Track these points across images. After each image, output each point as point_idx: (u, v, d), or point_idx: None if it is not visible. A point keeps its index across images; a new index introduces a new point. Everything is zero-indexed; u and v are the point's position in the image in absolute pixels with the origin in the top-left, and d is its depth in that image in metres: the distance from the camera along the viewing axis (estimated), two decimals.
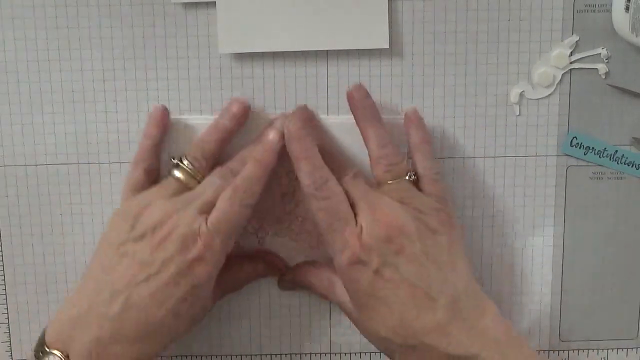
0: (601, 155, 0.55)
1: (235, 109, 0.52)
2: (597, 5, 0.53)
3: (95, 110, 0.54)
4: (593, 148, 0.54)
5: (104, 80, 0.54)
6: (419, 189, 0.50)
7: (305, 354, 0.58)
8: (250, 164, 0.50)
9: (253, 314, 0.57)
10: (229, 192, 0.49)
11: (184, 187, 0.50)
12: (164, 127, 0.53)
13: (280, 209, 0.55)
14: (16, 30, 0.53)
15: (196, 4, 0.53)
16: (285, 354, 0.58)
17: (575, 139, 0.54)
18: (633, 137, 0.55)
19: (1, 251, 0.56)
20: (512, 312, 0.57)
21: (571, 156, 0.55)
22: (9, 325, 0.57)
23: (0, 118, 0.54)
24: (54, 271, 0.56)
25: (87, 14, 0.53)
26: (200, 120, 0.53)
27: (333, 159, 0.51)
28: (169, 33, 0.53)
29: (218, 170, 0.51)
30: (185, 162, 0.51)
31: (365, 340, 0.57)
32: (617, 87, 0.54)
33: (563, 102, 0.54)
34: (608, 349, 0.58)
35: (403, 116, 0.53)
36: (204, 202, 0.49)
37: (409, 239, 0.47)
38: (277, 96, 0.54)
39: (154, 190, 0.51)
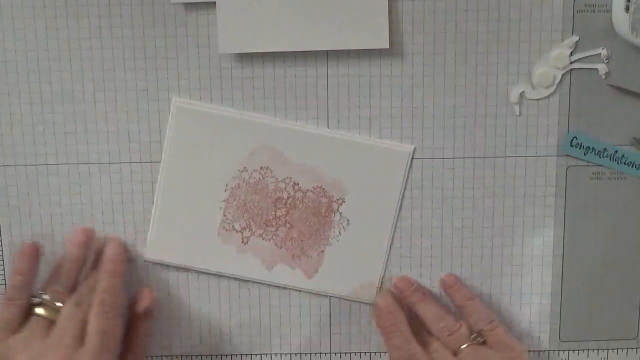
0: (601, 155, 0.55)
1: (82, 237, 0.54)
2: (597, 5, 0.52)
3: (95, 110, 0.54)
4: (593, 148, 0.54)
5: (104, 80, 0.54)
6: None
7: (305, 353, 0.58)
8: (105, 277, 0.53)
9: (253, 314, 0.57)
10: (97, 308, 0.51)
11: (49, 322, 0.52)
12: (36, 262, 0.54)
13: (270, 212, 0.55)
14: (16, 30, 0.53)
15: (196, 4, 0.53)
16: (285, 354, 0.58)
17: (575, 139, 0.54)
18: (633, 137, 0.55)
19: (1, 251, 0.56)
20: (512, 312, 0.57)
21: (571, 156, 0.55)
22: None
23: (0, 118, 0.54)
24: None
25: (87, 13, 0.53)
26: (200, 108, 0.54)
27: (426, 316, 0.54)
28: (169, 33, 0.53)
29: (71, 303, 0.52)
30: (47, 298, 0.52)
31: (365, 340, 0.58)
32: (617, 87, 0.54)
33: (563, 102, 0.54)
34: (608, 349, 0.58)
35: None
36: (75, 333, 0.50)
37: None
38: (277, 96, 0.54)
39: (27, 335, 0.51)
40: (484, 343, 0.53)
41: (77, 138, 0.55)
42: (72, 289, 0.53)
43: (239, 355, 0.58)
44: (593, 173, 0.55)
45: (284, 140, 0.54)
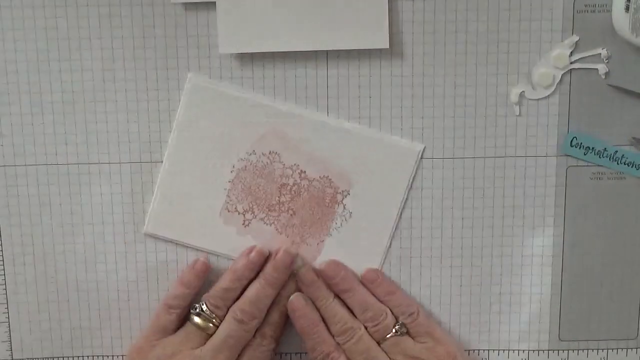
0: (601, 156, 0.55)
1: (254, 258, 0.54)
2: (597, 5, 0.52)
3: (95, 110, 0.54)
4: (593, 148, 0.54)
5: (104, 80, 0.54)
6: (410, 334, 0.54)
7: (306, 353, 0.58)
8: (276, 312, 0.54)
9: None
10: (259, 340, 0.54)
11: (202, 332, 0.53)
12: (203, 280, 0.55)
13: (275, 197, 0.55)
14: (16, 30, 0.53)
15: (196, 4, 0.53)
16: (286, 354, 0.58)
17: (575, 139, 0.54)
18: (633, 137, 0.55)
19: (1, 251, 0.56)
20: (512, 312, 0.57)
21: (571, 156, 0.55)
22: (9, 325, 0.57)
23: (0, 118, 0.54)
24: (54, 271, 0.56)
25: (87, 14, 0.53)
26: (221, 88, 0.54)
27: (332, 323, 0.54)
28: (169, 33, 0.53)
29: (234, 316, 0.53)
30: (206, 309, 0.53)
31: None
32: (617, 87, 0.54)
33: (563, 102, 0.54)
34: (608, 349, 0.58)
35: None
36: (230, 353, 0.52)
37: None
38: (277, 96, 0.54)
39: (178, 340, 0.53)
40: (407, 333, 0.54)
41: (77, 138, 0.55)
42: (231, 304, 0.54)
43: None
44: (593, 173, 0.55)
45: (295, 127, 0.54)
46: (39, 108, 0.54)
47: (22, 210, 0.56)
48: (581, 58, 0.53)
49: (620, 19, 0.51)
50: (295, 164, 0.55)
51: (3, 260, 0.56)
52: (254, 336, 0.54)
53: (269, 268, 0.54)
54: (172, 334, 0.54)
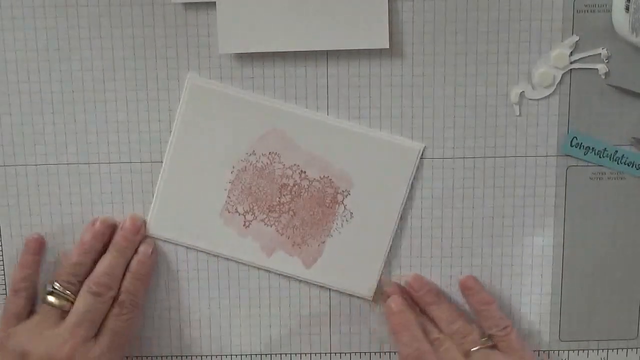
0: (601, 156, 0.55)
1: (100, 228, 0.54)
2: (597, 5, 0.53)
3: (95, 110, 0.54)
4: (593, 148, 0.54)
5: (104, 80, 0.54)
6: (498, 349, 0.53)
7: (305, 353, 0.58)
8: (130, 279, 0.53)
9: (253, 314, 0.57)
10: (116, 310, 0.53)
11: (59, 311, 0.52)
12: (40, 255, 0.55)
13: (275, 198, 0.55)
14: (16, 30, 0.53)
15: (196, 4, 0.53)
16: (285, 354, 0.58)
17: (575, 139, 0.54)
18: (633, 137, 0.55)
19: (1, 251, 0.56)
20: (512, 312, 0.57)
21: (571, 156, 0.55)
22: None
23: (0, 118, 0.54)
24: (54, 271, 0.56)
25: (87, 14, 0.53)
26: (215, 87, 0.54)
27: (426, 331, 0.54)
28: (169, 33, 0.53)
29: (89, 289, 0.52)
30: (58, 286, 0.53)
31: (365, 340, 0.57)
32: (617, 87, 0.54)
33: (563, 102, 0.54)
34: (608, 349, 0.58)
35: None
36: (89, 326, 0.52)
37: None
38: (277, 96, 0.54)
39: (35, 323, 0.52)
40: (494, 346, 0.53)
41: (77, 138, 0.55)
42: (84, 279, 0.53)
43: (239, 356, 0.58)
44: (593, 173, 0.55)
45: (295, 127, 0.54)
46: (39, 108, 0.54)
47: (22, 211, 0.56)
48: (581, 58, 0.53)
49: (620, 19, 0.51)
50: (295, 164, 0.54)
51: (3, 260, 0.56)
52: (112, 307, 0.53)
53: (118, 237, 0.54)
54: (27, 319, 0.53)
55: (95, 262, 0.54)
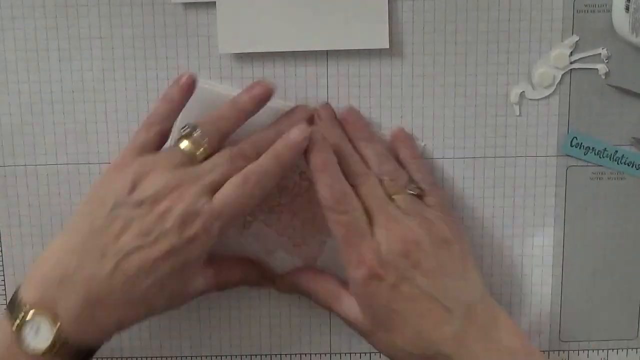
0: (601, 156, 0.55)
1: (258, 91, 0.50)
2: (597, 5, 0.53)
3: (95, 110, 0.54)
4: (593, 148, 0.54)
5: (104, 80, 0.54)
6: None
7: (305, 354, 0.58)
8: (268, 157, 0.48)
9: (253, 314, 0.57)
10: (239, 180, 0.47)
11: (187, 159, 0.48)
12: (188, 95, 0.51)
13: (275, 199, 0.55)
14: (16, 30, 0.53)
15: (196, 4, 0.53)
16: (285, 354, 0.58)
17: (575, 139, 0.54)
18: (633, 137, 0.55)
19: (1, 251, 0.56)
20: (512, 312, 0.57)
21: (571, 156, 0.55)
22: None
23: (0, 118, 0.54)
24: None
25: (87, 13, 0.53)
26: (221, 90, 0.53)
27: (349, 164, 0.50)
28: (169, 33, 0.53)
29: (229, 152, 0.49)
30: (196, 134, 0.49)
31: (365, 340, 0.57)
32: (617, 87, 0.54)
33: (563, 102, 0.54)
34: (608, 349, 0.58)
35: (388, 133, 0.54)
36: (210, 183, 0.47)
37: (424, 253, 0.48)
38: (277, 96, 0.54)
39: (159, 157, 0.49)
40: (420, 197, 0.51)
41: (77, 138, 0.55)
42: (225, 139, 0.50)
43: (239, 356, 0.58)
44: (593, 173, 0.55)
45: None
46: (39, 108, 0.54)
47: (22, 211, 0.56)
48: (581, 58, 0.54)
49: (620, 19, 0.51)
50: (295, 165, 0.54)
51: (3, 260, 0.56)
52: (235, 175, 0.48)
53: (285, 119, 0.51)
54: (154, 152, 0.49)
55: (242, 123, 0.50)
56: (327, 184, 0.48)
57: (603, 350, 0.58)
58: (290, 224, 0.55)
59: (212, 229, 0.47)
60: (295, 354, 0.58)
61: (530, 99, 0.54)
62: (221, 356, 0.58)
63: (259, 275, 0.55)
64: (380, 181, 0.50)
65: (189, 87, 0.50)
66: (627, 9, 0.51)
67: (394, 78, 0.54)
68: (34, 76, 0.54)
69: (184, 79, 0.50)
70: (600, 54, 0.53)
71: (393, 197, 0.50)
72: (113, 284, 0.46)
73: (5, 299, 0.56)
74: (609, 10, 0.52)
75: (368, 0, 0.52)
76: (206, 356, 0.58)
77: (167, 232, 0.46)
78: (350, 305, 0.50)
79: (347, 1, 0.52)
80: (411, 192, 0.50)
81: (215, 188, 0.47)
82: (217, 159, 0.48)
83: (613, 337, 0.58)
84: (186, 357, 0.58)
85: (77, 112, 0.54)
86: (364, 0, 0.52)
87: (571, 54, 0.53)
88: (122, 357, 0.57)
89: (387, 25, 0.52)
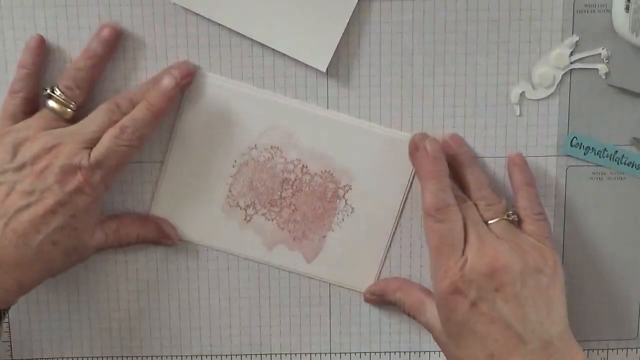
0: (601, 156, 0.55)
1: (106, 33, 0.52)
2: (597, 5, 0.52)
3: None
4: (593, 148, 0.54)
5: (103, 80, 0.54)
6: (521, 229, 0.52)
7: (305, 353, 0.58)
8: (142, 106, 0.50)
9: (253, 314, 0.57)
10: (115, 131, 0.50)
11: (59, 117, 0.51)
12: (40, 56, 0.52)
13: (276, 193, 0.55)
14: (16, 30, 0.53)
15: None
16: (286, 354, 0.58)
17: (575, 139, 0.54)
18: (633, 137, 0.55)
19: None
20: None
21: (571, 156, 0.55)
22: (9, 325, 0.57)
23: None
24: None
25: (87, 13, 0.53)
26: (231, 86, 0.54)
27: (459, 184, 0.53)
28: (169, 33, 0.53)
29: (105, 106, 0.51)
30: (58, 91, 0.51)
31: (365, 340, 0.57)
32: (617, 87, 0.54)
33: (563, 102, 0.54)
34: (608, 349, 0.58)
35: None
36: (88, 138, 0.50)
37: (510, 278, 0.48)
38: (277, 91, 0.54)
39: (33, 121, 0.51)
40: (517, 224, 0.52)
41: None
42: (88, 90, 0.52)
43: (239, 356, 0.58)
44: (593, 173, 0.55)
45: (296, 122, 0.54)
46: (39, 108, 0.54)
47: None
48: (581, 58, 0.53)
49: (620, 19, 0.51)
50: (297, 159, 0.54)
51: None
52: (112, 127, 0.50)
53: (152, 91, 0.51)
54: (24, 120, 0.51)
55: (100, 72, 0.52)
56: (432, 191, 0.50)
57: (603, 350, 0.58)
58: (291, 218, 0.55)
59: (94, 180, 0.49)
60: (295, 354, 0.58)
61: (530, 99, 0.54)
62: (221, 356, 0.58)
63: (158, 232, 0.55)
64: (476, 205, 0.52)
65: (39, 48, 0.52)
66: (627, 9, 0.51)
67: (394, 78, 0.54)
68: None
69: (32, 42, 0.52)
70: (600, 54, 0.53)
71: (489, 222, 0.51)
72: (5, 245, 0.48)
73: None
74: (609, 10, 0.52)
75: (328, 20, 0.52)
76: (206, 355, 0.58)
77: (49, 188, 0.48)
78: (432, 314, 0.51)
79: (310, 12, 0.51)
80: (507, 218, 0.51)
81: (94, 142, 0.50)
82: (93, 114, 0.51)
83: (613, 337, 0.57)
84: (187, 356, 0.58)
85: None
86: (326, 18, 0.52)
87: (571, 54, 0.53)
88: (123, 356, 0.58)
89: (334, 49, 0.52)
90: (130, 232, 0.54)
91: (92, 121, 0.50)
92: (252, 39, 0.53)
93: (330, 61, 0.53)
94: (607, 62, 0.53)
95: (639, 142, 0.54)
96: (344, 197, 0.55)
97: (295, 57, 0.53)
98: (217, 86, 0.54)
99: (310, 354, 0.58)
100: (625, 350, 0.58)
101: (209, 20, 0.53)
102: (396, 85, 0.54)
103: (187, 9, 0.53)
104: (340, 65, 0.54)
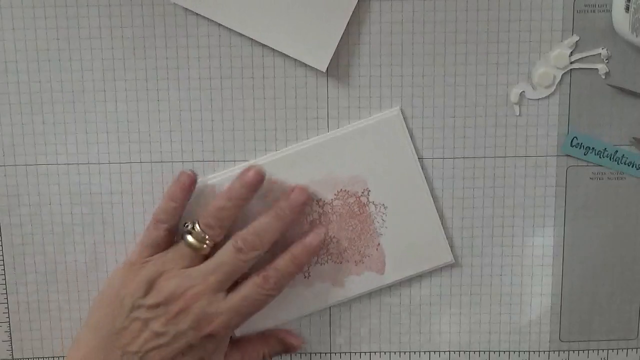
0: (601, 156, 0.55)
1: (251, 177, 0.51)
2: (597, 5, 0.53)
3: (95, 110, 0.54)
4: (593, 148, 0.54)
5: (104, 80, 0.54)
6: None
7: (305, 353, 0.58)
8: (286, 259, 0.51)
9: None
10: (259, 280, 0.51)
11: (195, 255, 0.51)
12: (190, 193, 0.53)
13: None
14: (16, 30, 0.53)
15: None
16: (286, 354, 0.58)
17: (575, 139, 0.54)
18: (633, 137, 0.55)
19: (1, 251, 0.56)
20: (513, 313, 0.57)
21: (571, 156, 0.55)
22: (9, 324, 0.57)
23: (0, 118, 0.54)
24: (54, 271, 0.56)
25: (87, 14, 0.53)
26: (216, 180, 0.54)
27: None
28: (169, 33, 0.53)
29: (234, 243, 0.50)
30: (198, 228, 0.51)
31: (365, 340, 0.57)
32: (617, 87, 0.54)
33: (563, 102, 0.54)
34: (608, 349, 0.58)
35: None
36: (221, 278, 0.50)
37: None
38: (277, 96, 0.54)
39: (169, 257, 0.51)
40: None
41: (77, 138, 0.55)
42: (227, 229, 0.52)
43: None
44: (593, 173, 0.55)
45: (286, 167, 0.54)
46: (40, 108, 0.54)
47: (22, 210, 0.56)
48: (581, 58, 0.53)
49: (620, 19, 0.51)
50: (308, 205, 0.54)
51: (3, 260, 0.56)
52: (255, 275, 0.51)
53: (283, 203, 0.52)
54: (164, 251, 0.52)
55: (241, 211, 0.52)
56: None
57: (603, 350, 0.58)
58: (340, 248, 0.55)
59: (231, 325, 0.50)
60: (295, 354, 0.58)
61: (530, 99, 0.54)
62: None
63: (282, 344, 0.56)
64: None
65: (190, 184, 0.52)
66: (627, 9, 0.51)
67: (394, 78, 0.54)
68: (34, 76, 0.54)
69: (183, 177, 0.52)
70: (600, 54, 0.53)
71: None
72: None
73: (6, 299, 0.56)
74: (609, 10, 0.52)
75: (328, 20, 0.51)
76: None
77: (184, 332, 0.49)
78: None
79: (310, 12, 0.51)
80: None
81: (228, 282, 0.50)
82: (222, 255, 0.51)
83: (613, 337, 0.58)
84: None
85: (77, 112, 0.54)
86: (325, 18, 0.51)
87: (571, 54, 0.53)
88: None
89: (334, 49, 0.52)
90: (254, 356, 0.55)
91: (223, 263, 0.50)
92: (252, 39, 0.53)
93: (330, 61, 0.53)
94: (607, 62, 0.53)
95: (639, 142, 0.55)
96: (369, 201, 0.55)
97: (295, 57, 0.53)
98: (208, 186, 0.54)
99: (310, 353, 0.58)
100: (625, 351, 0.58)
101: (209, 20, 0.53)
102: (396, 86, 0.54)
103: (187, 9, 0.53)
104: (340, 65, 0.54)
